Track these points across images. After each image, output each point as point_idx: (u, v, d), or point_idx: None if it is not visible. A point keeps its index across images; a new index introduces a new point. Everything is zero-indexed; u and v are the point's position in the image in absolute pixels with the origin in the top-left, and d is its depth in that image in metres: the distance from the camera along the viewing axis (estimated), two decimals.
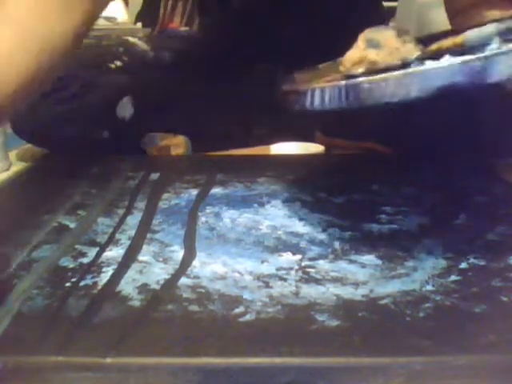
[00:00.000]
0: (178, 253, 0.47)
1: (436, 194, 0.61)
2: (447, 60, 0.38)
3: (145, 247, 0.48)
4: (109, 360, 0.33)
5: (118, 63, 0.87)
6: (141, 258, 0.46)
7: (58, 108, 0.80)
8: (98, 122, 0.82)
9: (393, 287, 0.41)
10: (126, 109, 0.82)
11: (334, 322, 0.36)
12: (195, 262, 0.45)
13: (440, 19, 0.98)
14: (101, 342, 0.34)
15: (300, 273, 0.43)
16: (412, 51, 0.45)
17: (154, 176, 0.69)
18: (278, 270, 0.44)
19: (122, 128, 0.82)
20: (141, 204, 0.59)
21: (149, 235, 0.51)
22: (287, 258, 0.46)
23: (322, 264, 0.45)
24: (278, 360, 0.33)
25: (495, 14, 0.67)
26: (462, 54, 0.37)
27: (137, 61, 0.89)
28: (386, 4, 1.71)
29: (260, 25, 0.94)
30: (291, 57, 0.96)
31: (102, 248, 0.48)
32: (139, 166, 0.73)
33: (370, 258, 0.46)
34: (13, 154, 0.85)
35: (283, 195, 0.61)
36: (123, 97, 0.82)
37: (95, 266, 0.45)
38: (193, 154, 0.83)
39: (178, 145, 0.81)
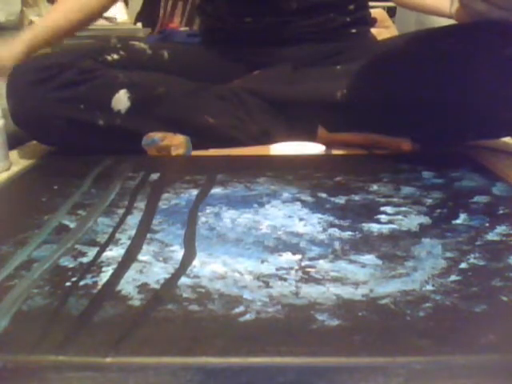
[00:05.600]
0: (178, 253, 0.47)
1: (436, 193, 0.61)
2: None
3: (145, 247, 0.48)
4: (109, 360, 0.33)
5: (115, 56, 0.87)
6: (141, 257, 0.46)
7: (54, 94, 0.80)
8: (93, 111, 0.82)
9: (393, 287, 0.41)
10: (121, 102, 0.82)
11: (334, 322, 0.36)
12: (195, 262, 0.45)
13: (440, 19, 0.99)
14: (101, 342, 0.34)
15: (300, 273, 0.43)
16: None
17: (154, 176, 0.69)
18: (277, 269, 0.44)
19: (116, 120, 0.82)
20: (141, 204, 0.59)
21: (149, 235, 0.51)
22: (287, 258, 0.46)
23: (322, 264, 0.45)
24: (277, 360, 0.33)
25: None
26: None
27: (134, 57, 0.89)
28: (385, 4, 1.71)
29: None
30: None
31: (102, 248, 0.48)
32: (139, 166, 0.73)
33: (369, 258, 0.46)
34: (14, 154, 0.85)
35: (283, 195, 0.61)
36: (119, 90, 0.82)
37: (95, 266, 0.45)
38: (193, 154, 0.83)
39: (178, 145, 0.81)
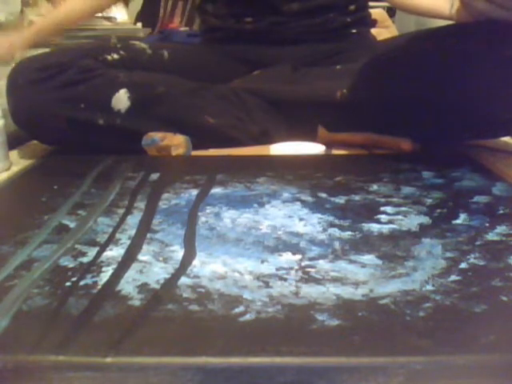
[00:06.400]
0: (178, 252, 0.47)
1: (436, 193, 0.61)
2: None
3: (145, 247, 0.48)
4: (109, 360, 0.33)
5: (115, 56, 0.87)
6: (141, 257, 0.46)
7: (54, 94, 0.80)
8: (93, 111, 0.82)
9: (393, 287, 0.41)
10: (121, 101, 0.82)
11: (334, 322, 0.36)
12: (195, 262, 0.45)
13: (440, 20, 0.98)
14: (101, 342, 0.34)
15: (300, 273, 0.43)
16: None
17: (154, 176, 0.69)
18: (277, 269, 0.44)
19: (116, 120, 0.82)
20: (141, 204, 0.59)
21: (149, 235, 0.51)
22: (287, 258, 0.46)
23: (322, 264, 0.45)
24: (277, 360, 0.33)
25: None
26: None
27: (134, 57, 0.89)
28: (385, 4, 1.71)
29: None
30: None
31: (102, 248, 0.48)
32: (139, 166, 0.73)
33: (369, 258, 0.46)
34: (14, 154, 0.85)
35: (283, 195, 0.61)
36: (119, 89, 0.82)
37: (95, 266, 0.45)
38: (193, 154, 0.83)
39: (178, 145, 0.81)
